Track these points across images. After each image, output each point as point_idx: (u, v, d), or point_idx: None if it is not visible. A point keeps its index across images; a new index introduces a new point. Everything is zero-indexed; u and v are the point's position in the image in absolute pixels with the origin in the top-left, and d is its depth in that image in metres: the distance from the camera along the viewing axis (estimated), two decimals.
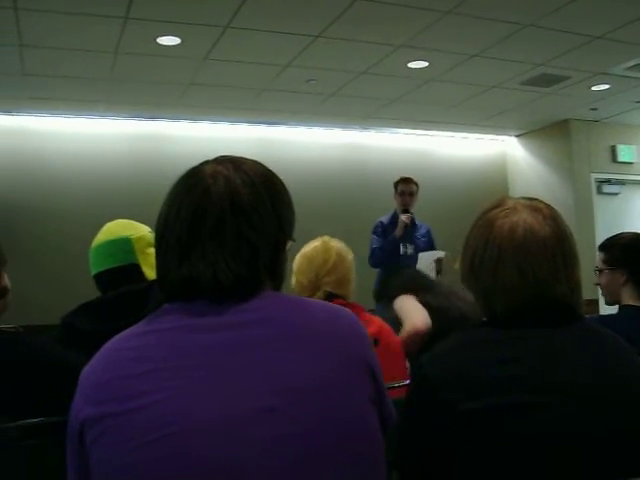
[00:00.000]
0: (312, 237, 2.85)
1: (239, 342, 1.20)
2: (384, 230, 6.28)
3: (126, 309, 2.06)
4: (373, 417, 1.26)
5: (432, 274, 5.75)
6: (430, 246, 6.27)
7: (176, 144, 7.60)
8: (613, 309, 2.70)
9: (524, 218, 1.50)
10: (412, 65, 6.19)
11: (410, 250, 6.18)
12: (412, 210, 6.26)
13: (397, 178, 6.32)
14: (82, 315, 2.26)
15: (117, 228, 2.49)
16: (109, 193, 7.09)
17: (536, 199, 1.58)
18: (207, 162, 1.37)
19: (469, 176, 8.98)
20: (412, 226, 6.27)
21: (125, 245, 2.41)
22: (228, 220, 1.28)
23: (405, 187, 6.25)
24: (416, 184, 6.26)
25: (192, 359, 1.19)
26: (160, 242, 1.32)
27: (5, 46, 5.31)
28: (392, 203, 6.45)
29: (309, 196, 7.44)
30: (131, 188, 7.12)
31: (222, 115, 7.68)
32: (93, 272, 2.46)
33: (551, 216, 1.53)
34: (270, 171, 1.41)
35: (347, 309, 1.35)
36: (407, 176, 6.29)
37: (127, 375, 1.19)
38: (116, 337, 1.29)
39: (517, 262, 1.46)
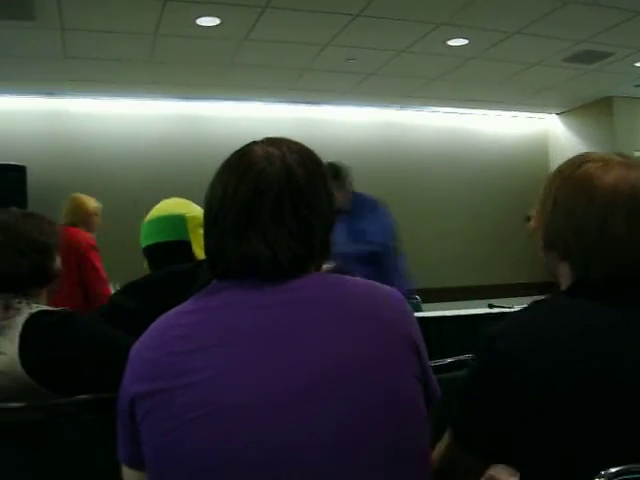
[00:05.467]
0: None
1: (288, 320, 1.23)
2: None
3: (172, 289, 2.08)
4: (418, 394, 1.28)
5: None
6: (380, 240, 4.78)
7: (217, 125, 7.63)
8: None
9: (625, 173, 1.44)
10: (452, 43, 6.13)
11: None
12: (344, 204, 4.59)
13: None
14: (129, 295, 2.29)
15: (172, 205, 2.53)
16: (150, 174, 7.15)
17: (624, 154, 1.52)
18: (255, 143, 1.39)
19: (510, 154, 8.89)
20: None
21: (178, 222, 2.45)
22: (286, 200, 1.30)
23: None
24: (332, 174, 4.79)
25: (240, 337, 1.21)
26: (214, 222, 1.33)
27: (47, 29, 5.37)
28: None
29: None
30: (172, 169, 7.17)
31: (262, 95, 7.67)
32: (143, 244, 2.50)
33: None
34: (314, 152, 1.43)
35: (391, 287, 1.36)
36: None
37: (176, 352, 1.22)
38: (166, 315, 1.31)
39: (627, 216, 1.40)
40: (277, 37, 5.84)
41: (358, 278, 1.37)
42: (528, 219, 1.63)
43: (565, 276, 1.49)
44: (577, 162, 1.52)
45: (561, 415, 1.29)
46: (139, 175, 7.21)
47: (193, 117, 7.72)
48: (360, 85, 7.40)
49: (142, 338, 1.30)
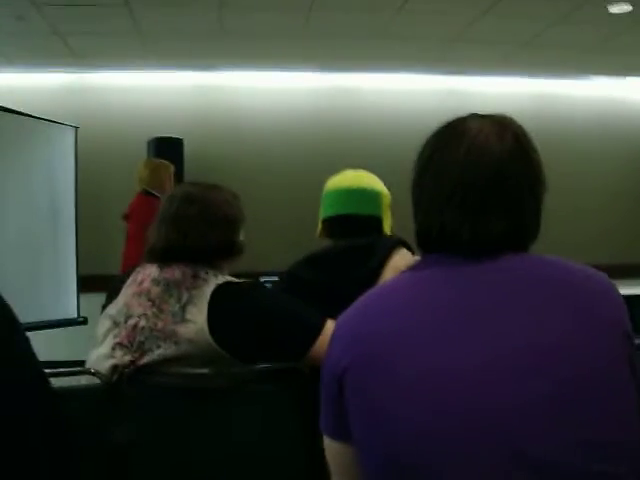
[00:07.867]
0: None
1: (498, 298, 1.24)
2: None
3: (350, 262, 2.12)
4: (629, 385, 1.24)
5: None
6: None
7: (372, 97, 7.59)
8: None
9: None
10: (614, 10, 5.82)
11: None
12: None
13: None
14: (308, 267, 2.34)
15: (366, 179, 2.55)
16: (302, 149, 7.24)
17: None
18: (465, 118, 1.39)
19: None
20: None
21: (373, 197, 2.48)
22: (507, 180, 1.31)
23: None
24: None
25: (453, 313, 1.23)
26: (449, 199, 1.32)
27: (205, 7, 5.55)
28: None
29: None
30: (325, 143, 7.19)
31: (411, 67, 7.52)
32: (328, 213, 2.54)
33: None
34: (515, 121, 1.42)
35: (601, 272, 1.33)
36: None
37: (387, 326, 1.25)
38: (374, 289, 1.34)
39: None
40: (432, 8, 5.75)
41: (567, 260, 1.35)
42: None
43: None
44: None
45: None
46: (293, 150, 7.30)
47: (346, 89, 7.67)
48: (512, 55, 7.17)
49: (350, 312, 1.33)
